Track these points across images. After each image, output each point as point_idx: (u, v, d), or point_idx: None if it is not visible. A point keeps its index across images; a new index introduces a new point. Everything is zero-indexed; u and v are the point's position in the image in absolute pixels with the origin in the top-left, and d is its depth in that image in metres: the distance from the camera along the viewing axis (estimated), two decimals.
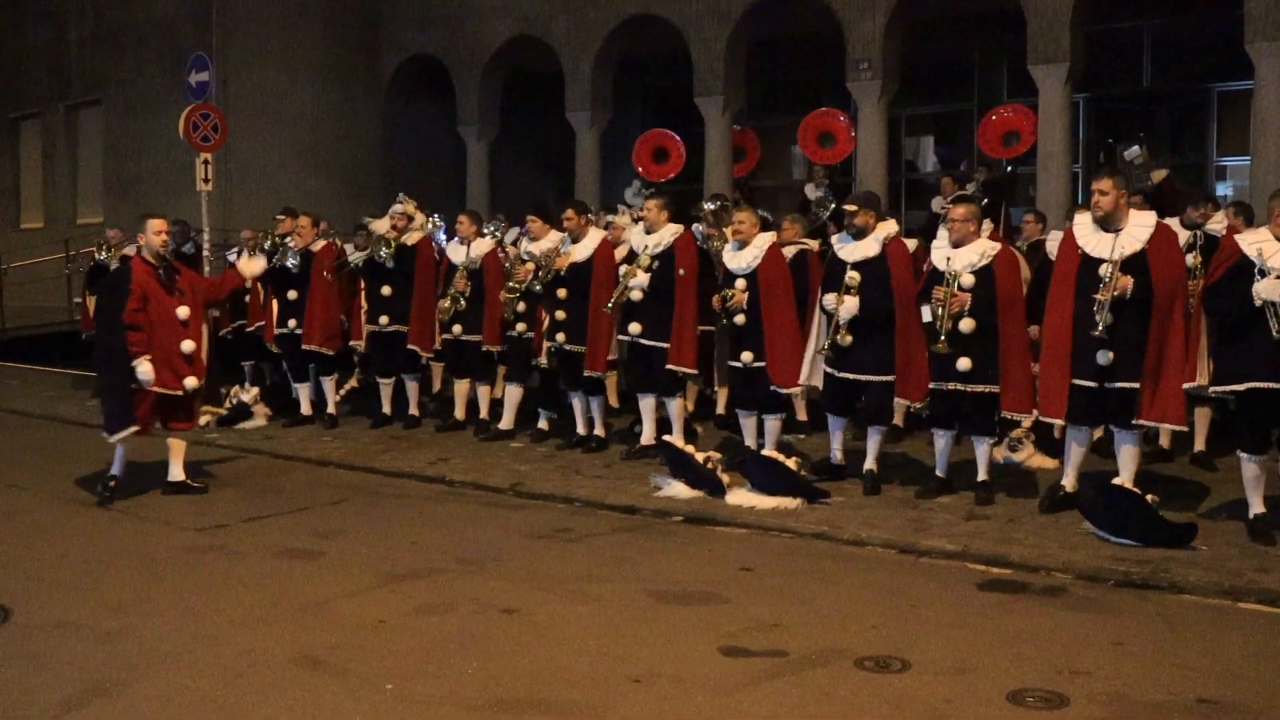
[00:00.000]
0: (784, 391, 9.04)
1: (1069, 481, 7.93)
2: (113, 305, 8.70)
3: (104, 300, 8.85)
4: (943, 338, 7.89)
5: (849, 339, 8.44)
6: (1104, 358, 7.43)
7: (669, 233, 9.64)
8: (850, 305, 8.40)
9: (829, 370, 8.69)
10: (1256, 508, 7.19)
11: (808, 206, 15.58)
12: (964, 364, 7.98)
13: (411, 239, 11.44)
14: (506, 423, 10.94)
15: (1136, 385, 7.40)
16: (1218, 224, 8.91)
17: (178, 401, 8.81)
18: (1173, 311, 7.40)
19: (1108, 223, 7.54)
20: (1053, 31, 14.72)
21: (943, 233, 8.39)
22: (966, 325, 7.94)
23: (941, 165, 19.35)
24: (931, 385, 8.26)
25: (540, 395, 10.99)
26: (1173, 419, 7.46)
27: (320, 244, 11.86)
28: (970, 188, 14.20)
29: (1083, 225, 7.71)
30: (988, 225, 10.03)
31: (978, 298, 7.95)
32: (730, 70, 17.38)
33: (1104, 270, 7.38)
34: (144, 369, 8.53)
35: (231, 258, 13.08)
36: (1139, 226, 7.52)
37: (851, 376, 8.56)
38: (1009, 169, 15.67)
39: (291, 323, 11.78)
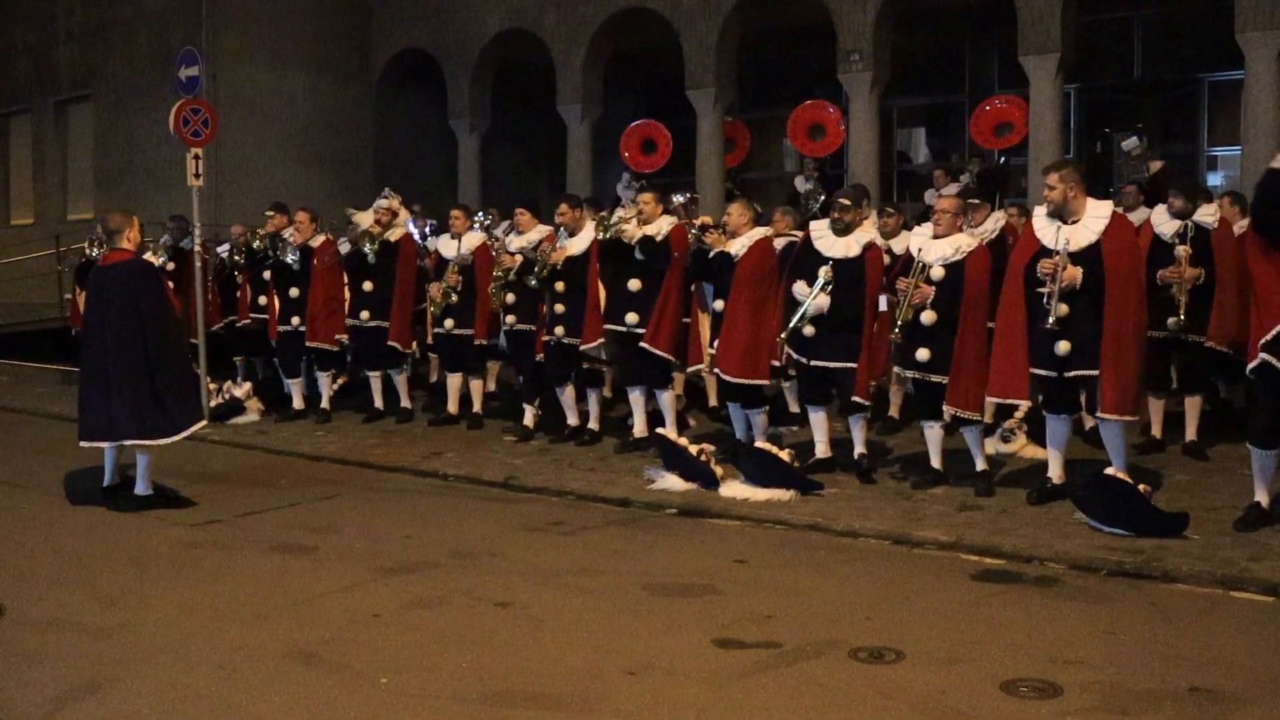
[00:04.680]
0: (728, 379, 9.00)
1: (1055, 472, 7.96)
2: (166, 297, 8.65)
3: (164, 297, 8.63)
4: (897, 328, 7.95)
5: (810, 329, 8.50)
6: (1061, 348, 7.47)
7: (666, 222, 9.67)
8: (821, 303, 8.44)
9: (798, 358, 8.71)
10: (1258, 496, 7.18)
11: (798, 199, 15.59)
12: (923, 354, 8.08)
13: (394, 235, 11.45)
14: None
15: (1096, 372, 7.44)
16: (1209, 215, 8.91)
17: None
18: (1127, 301, 7.42)
19: (1062, 214, 7.57)
20: (1043, 22, 14.71)
21: (926, 224, 8.45)
22: (927, 317, 8.04)
23: (933, 157, 19.36)
24: (897, 370, 8.33)
25: (525, 389, 10.97)
26: (1127, 411, 7.46)
27: (319, 239, 11.87)
28: (964, 179, 14.22)
29: (1041, 216, 7.75)
30: (999, 215, 10.02)
31: (945, 291, 7.98)
32: (721, 63, 17.36)
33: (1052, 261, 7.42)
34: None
35: (223, 253, 13.07)
36: (1094, 218, 7.55)
37: (820, 365, 8.60)
38: (1001, 160, 15.69)
39: (295, 320, 11.76)
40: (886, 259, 8.94)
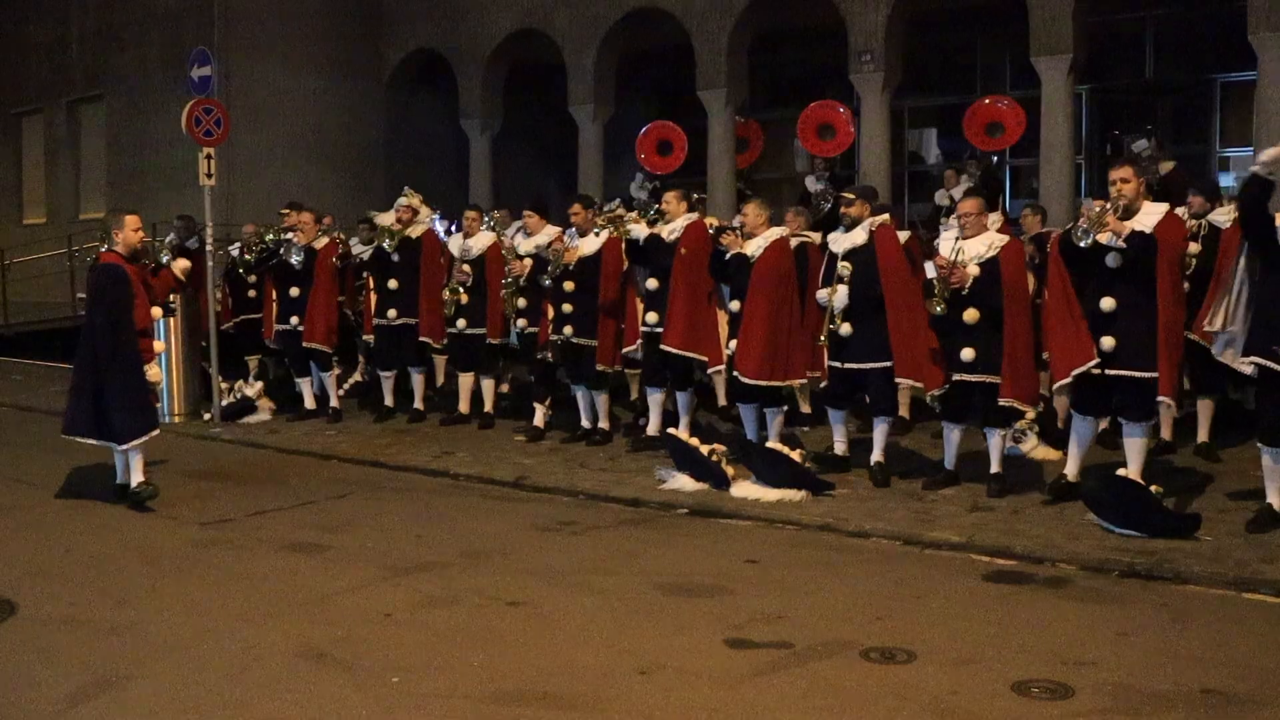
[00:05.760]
0: (747, 380, 8.97)
1: (1071, 471, 7.94)
2: (120, 307, 8.43)
3: (107, 301, 8.49)
4: (935, 295, 7.93)
5: (846, 327, 8.47)
6: (1105, 344, 7.45)
7: (683, 221, 9.66)
8: (841, 294, 8.43)
9: (829, 363, 8.71)
10: (1270, 497, 7.14)
11: (808, 199, 15.59)
12: (968, 354, 8.01)
13: (416, 232, 11.45)
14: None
15: (1138, 374, 7.41)
16: (1224, 215, 8.89)
17: None
18: (1174, 293, 7.42)
19: (1126, 213, 7.53)
20: (1055, 23, 14.70)
21: (953, 223, 8.41)
22: (970, 316, 7.97)
23: (944, 157, 19.33)
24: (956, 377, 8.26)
25: (536, 389, 10.97)
26: (1175, 394, 7.46)
27: (323, 240, 11.88)
28: (963, 180, 14.22)
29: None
30: (997, 218, 10.00)
31: (984, 289, 7.95)
32: (733, 63, 17.37)
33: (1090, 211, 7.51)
34: (154, 373, 8.56)
35: (234, 252, 13.10)
36: (1149, 214, 7.52)
37: (852, 366, 8.57)
38: (994, 160, 15.75)
39: (294, 319, 11.79)
40: None
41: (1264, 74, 13.42)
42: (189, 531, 7.90)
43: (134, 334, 8.45)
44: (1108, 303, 7.46)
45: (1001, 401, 8.05)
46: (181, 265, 9.12)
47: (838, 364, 8.66)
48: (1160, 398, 7.41)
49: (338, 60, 20.25)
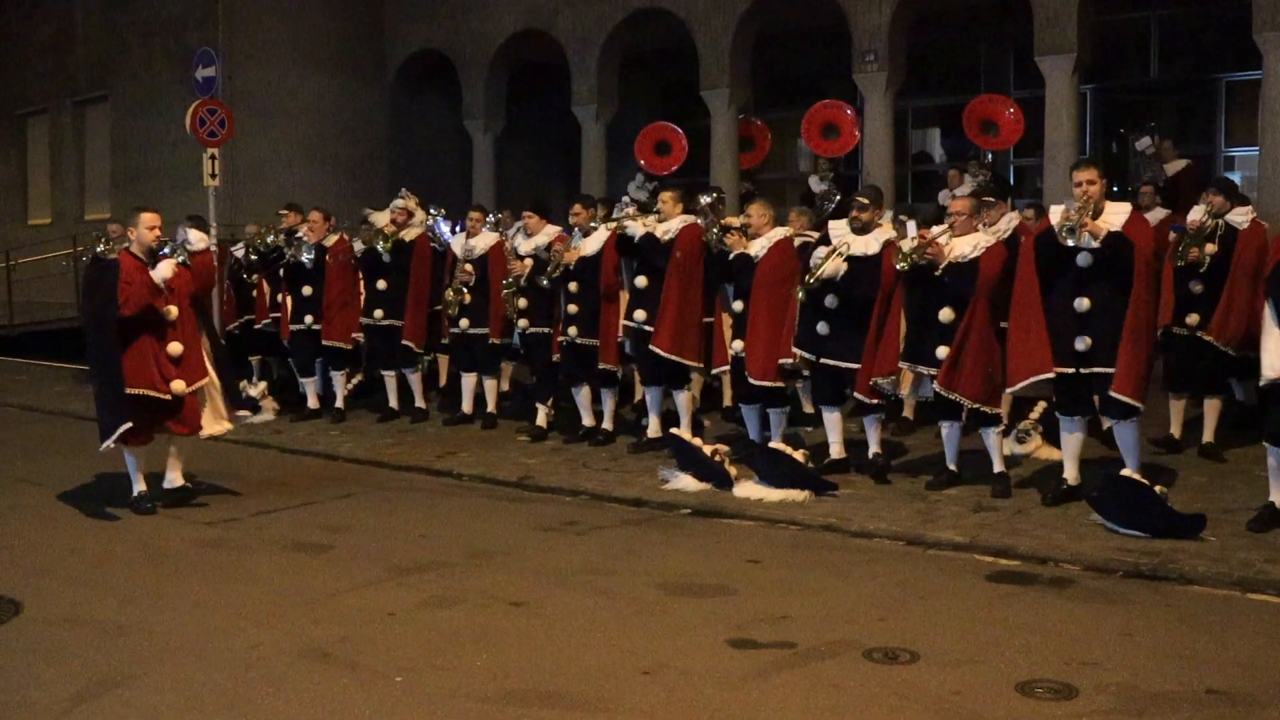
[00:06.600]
0: (755, 383, 8.99)
1: (1070, 474, 7.94)
2: (103, 303, 8.15)
3: (92, 299, 8.36)
4: (904, 255, 7.92)
5: (825, 327, 8.50)
6: (1081, 344, 7.47)
7: (678, 222, 9.66)
8: (836, 266, 8.43)
9: (807, 356, 8.69)
10: (1274, 497, 7.12)
11: (812, 199, 15.58)
12: (942, 352, 8.03)
13: (410, 235, 11.47)
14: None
15: (1114, 370, 7.44)
16: (1241, 216, 8.87)
17: (170, 405, 8.30)
18: (1145, 293, 7.45)
19: (1094, 214, 7.53)
20: (1059, 22, 14.68)
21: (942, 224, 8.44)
22: (945, 316, 8.03)
23: (949, 157, 19.31)
24: (901, 365, 8.25)
25: (538, 389, 10.96)
26: (1140, 395, 7.43)
27: (333, 238, 11.90)
28: (967, 178, 14.22)
29: (1057, 213, 7.73)
30: (1014, 215, 9.98)
31: (960, 289, 7.96)
32: (736, 63, 17.36)
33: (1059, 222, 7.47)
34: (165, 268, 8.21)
35: (238, 253, 13.11)
36: (1115, 214, 7.54)
37: (832, 363, 8.60)
38: (989, 158, 15.77)
39: (308, 319, 11.79)
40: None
41: (1269, 73, 13.39)
42: (193, 531, 7.91)
43: (114, 332, 8.06)
44: (1082, 303, 7.48)
45: (935, 387, 8.07)
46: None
47: (812, 356, 8.68)
48: (1115, 393, 7.40)
49: (341, 61, 20.26)
